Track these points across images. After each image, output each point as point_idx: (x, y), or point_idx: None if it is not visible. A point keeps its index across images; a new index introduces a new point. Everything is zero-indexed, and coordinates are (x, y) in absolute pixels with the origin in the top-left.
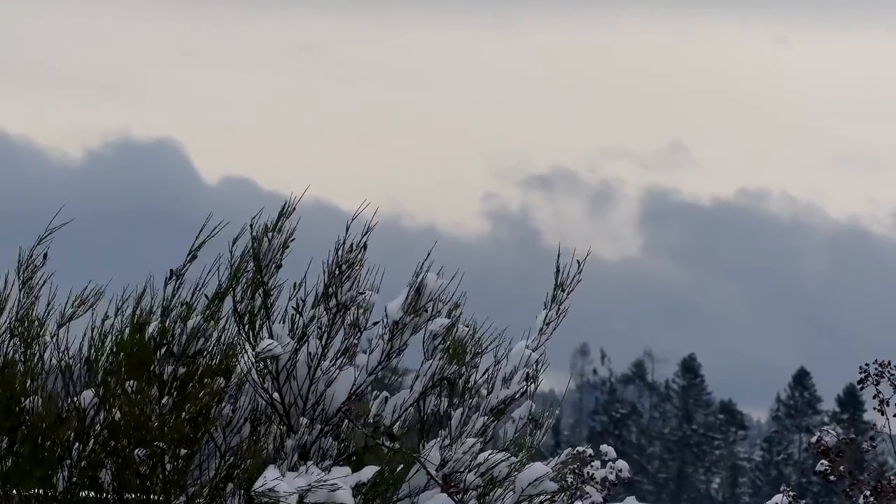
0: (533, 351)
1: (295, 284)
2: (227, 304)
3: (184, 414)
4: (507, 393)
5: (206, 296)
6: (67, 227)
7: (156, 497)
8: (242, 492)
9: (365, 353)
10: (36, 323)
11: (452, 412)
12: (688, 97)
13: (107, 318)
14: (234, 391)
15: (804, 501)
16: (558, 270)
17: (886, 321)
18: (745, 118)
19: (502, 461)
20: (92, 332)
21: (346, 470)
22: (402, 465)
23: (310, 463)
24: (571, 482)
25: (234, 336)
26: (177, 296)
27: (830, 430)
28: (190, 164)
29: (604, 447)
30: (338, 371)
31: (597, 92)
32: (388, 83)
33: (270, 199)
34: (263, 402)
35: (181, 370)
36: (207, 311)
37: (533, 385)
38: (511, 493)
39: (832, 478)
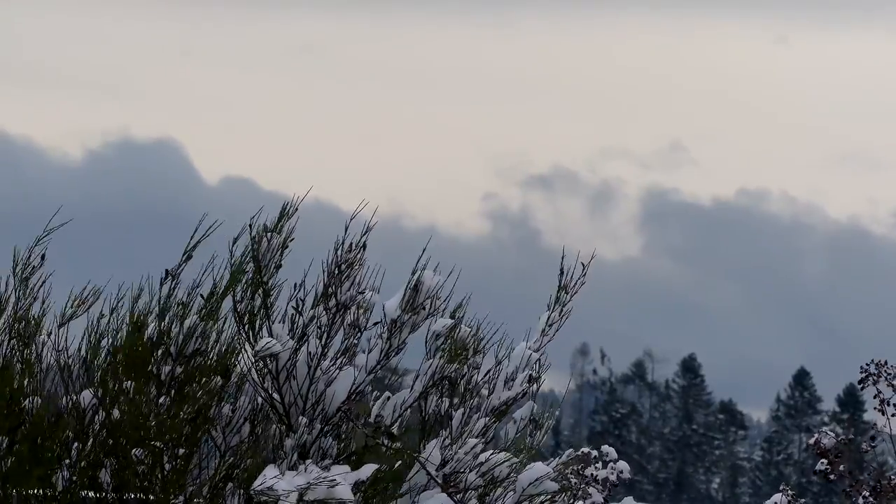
0: (535, 352)
1: (295, 285)
2: (226, 304)
3: (182, 414)
4: (509, 394)
5: (201, 295)
6: (68, 227)
7: (155, 497)
8: (242, 491)
9: (364, 352)
10: (33, 323)
11: (454, 412)
12: (688, 97)
13: (102, 316)
14: (234, 391)
15: (803, 501)
16: (562, 272)
17: (886, 321)
18: (745, 118)
19: (503, 461)
20: (88, 331)
21: (346, 468)
22: (401, 464)
23: (309, 462)
24: (574, 483)
25: (232, 336)
26: (173, 296)
27: (829, 432)
28: (190, 164)
29: (605, 448)
30: (337, 371)
31: (597, 92)
32: (388, 83)
33: (270, 199)
34: (263, 402)
35: (179, 370)
36: (204, 311)
37: (535, 386)
38: (512, 493)
39: (832, 477)
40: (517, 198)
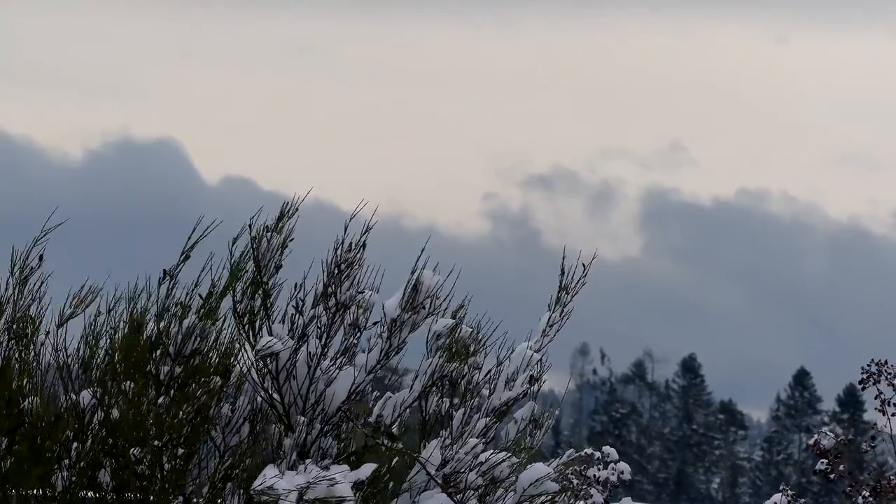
0: (536, 352)
1: (295, 285)
2: (225, 304)
3: (181, 414)
4: (510, 395)
5: (200, 295)
6: (68, 227)
7: (155, 497)
8: (242, 491)
9: (364, 352)
10: (32, 324)
11: (454, 412)
12: (688, 97)
13: (98, 314)
14: (233, 391)
15: (803, 501)
16: (563, 273)
17: (886, 321)
18: (745, 118)
19: (503, 461)
20: (86, 330)
21: (345, 467)
22: (400, 464)
23: (308, 461)
24: (575, 483)
25: (232, 335)
26: (171, 296)
27: (828, 433)
28: (190, 164)
29: (606, 448)
30: (337, 371)
31: (597, 92)
32: (388, 83)
33: (270, 199)
34: (263, 402)
35: (178, 370)
36: (202, 311)
37: (537, 386)
38: (512, 493)
39: (832, 477)
40: (517, 198)
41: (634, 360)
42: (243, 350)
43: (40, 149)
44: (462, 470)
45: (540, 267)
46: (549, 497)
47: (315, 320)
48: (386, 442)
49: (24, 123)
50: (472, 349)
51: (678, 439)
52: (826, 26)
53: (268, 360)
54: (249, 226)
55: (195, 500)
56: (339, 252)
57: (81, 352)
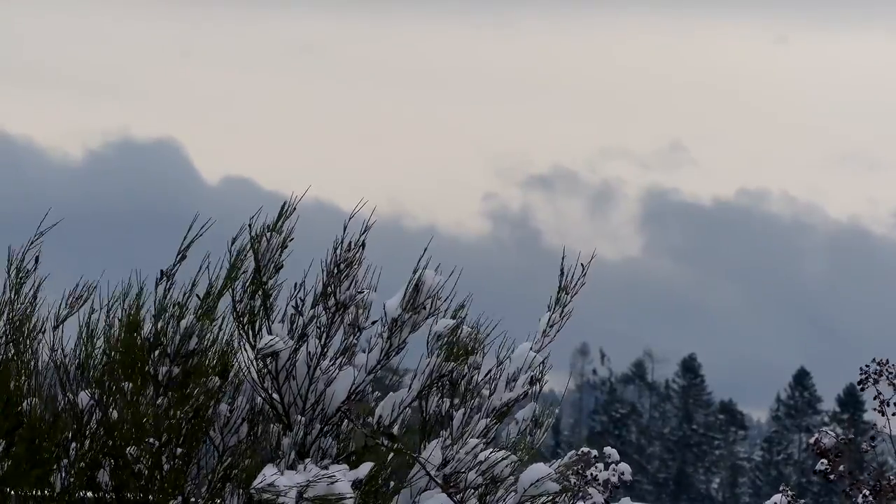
0: (536, 353)
1: (295, 284)
2: (223, 304)
3: (179, 414)
4: (510, 395)
5: (197, 295)
6: (68, 227)
7: (153, 497)
8: (241, 491)
9: (364, 352)
10: (28, 324)
11: (454, 412)
12: (688, 97)
13: (93, 311)
14: (232, 391)
15: (803, 501)
16: (562, 273)
17: (886, 321)
18: (745, 118)
19: (503, 459)
20: (81, 330)
21: (344, 466)
22: (399, 463)
23: (308, 461)
24: (574, 483)
25: (230, 335)
26: (168, 296)
27: (829, 431)
28: (190, 164)
29: (607, 449)
30: (337, 371)
31: (597, 92)
32: (388, 83)
33: (271, 199)
34: (262, 402)
35: (176, 370)
36: (200, 311)
37: (538, 387)
38: (513, 493)
39: (832, 477)
40: (517, 198)
41: (634, 360)
42: (242, 350)
43: (40, 149)
44: (462, 470)
45: (540, 267)
46: (550, 497)
47: (315, 320)
48: (385, 442)
49: (24, 123)
50: (471, 349)
51: (678, 439)
52: (826, 26)
53: (268, 360)
54: (249, 226)
55: (194, 499)
56: (338, 252)
57: (79, 351)
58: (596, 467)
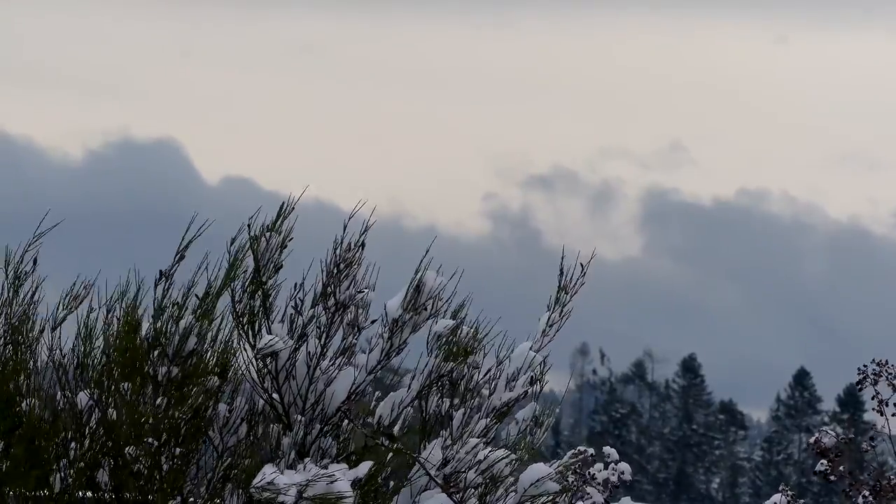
0: (536, 353)
1: (295, 284)
2: (222, 304)
3: (178, 414)
4: (510, 395)
5: (196, 295)
6: (68, 227)
7: (153, 497)
8: (241, 491)
9: (364, 352)
10: (27, 325)
11: (454, 412)
12: (688, 97)
13: (92, 310)
14: (231, 391)
15: (803, 501)
16: (562, 273)
17: (886, 321)
18: (745, 118)
19: (502, 458)
20: (80, 329)
21: (344, 466)
22: (399, 463)
23: (307, 460)
24: (574, 483)
25: (229, 335)
26: (167, 296)
27: (829, 431)
28: (190, 164)
29: (606, 449)
30: (337, 371)
31: (597, 92)
32: (388, 83)
33: (271, 199)
34: (261, 402)
35: (174, 370)
36: (199, 311)
37: (538, 387)
38: (513, 493)
39: (832, 478)
40: (517, 198)
41: (634, 360)
42: (242, 349)
43: (40, 149)
44: (462, 469)
45: (540, 267)
46: (550, 497)
47: (314, 320)
48: (385, 442)
49: (24, 123)
50: (470, 349)
51: (678, 439)
52: (826, 26)
53: (267, 360)
54: (248, 226)
55: (193, 499)
56: (338, 252)
57: (77, 351)
58: (595, 466)
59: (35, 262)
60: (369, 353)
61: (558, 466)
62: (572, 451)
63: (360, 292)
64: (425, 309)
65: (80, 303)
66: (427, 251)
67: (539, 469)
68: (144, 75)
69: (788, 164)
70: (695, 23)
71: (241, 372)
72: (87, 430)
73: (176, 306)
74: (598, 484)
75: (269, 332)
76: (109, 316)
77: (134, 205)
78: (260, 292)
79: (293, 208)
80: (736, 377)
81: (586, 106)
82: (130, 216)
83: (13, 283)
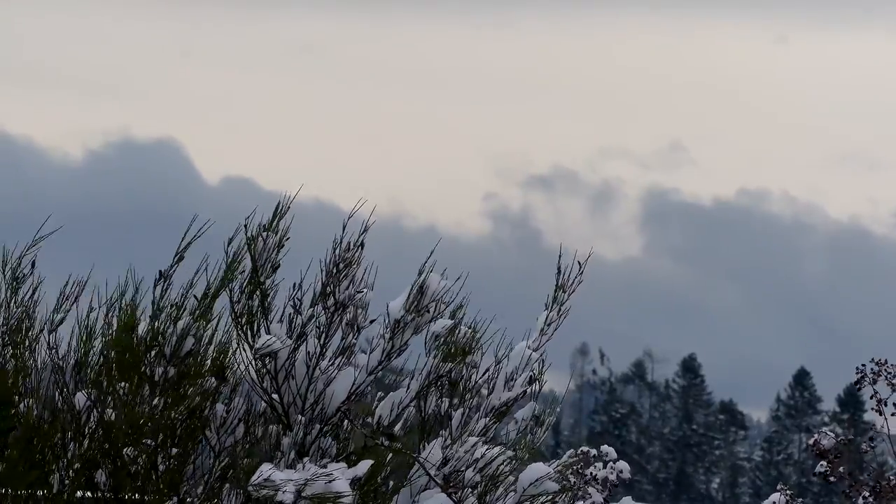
0: (534, 351)
1: (294, 284)
2: (219, 304)
3: (174, 414)
4: (509, 395)
5: (195, 296)
6: (68, 227)
7: (150, 497)
8: (240, 491)
9: (364, 352)
10: (25, 326)
11: (453, 412)
12: (688, 97)
13: (91, 310)
14: (229, 391)
15: (801, 501)
16: (559, 271)
17: (887, 321)
18: (745, 118)
19: (499, 455)
20: (79, 327)
21: (343, 465)
22: (398, 463)
23: (306, 459)
24: (574, 482)
25: (227, 335)
26: (165, 297)
27: (828, 433)
28: (191, 164)
29: (605, 448)
30: (337, 371)
31: (597, 92)
32: (388, 83)
33: (271, 199)
34: (260, 402)
35: (172, 371)
36: (197, 312)
37: (537, 386)
38: (513, 493)
39: (832, 479)
40: (518, 198)
41: (634, 360)
42: (239, 350)
43: (40, 149)
44: (460, 468)
45: (541, 267)
46: (549, 497)
47: (314, 320)
48: (385, 442)
49: (25, 123)
50: (468, 349)
51: (678, 439)
52: (826, 26)
53: (266, 360)
54: (245, 226)
55: (190, 500)
56: (337, 251)
57: (74, 352)
58: (595, 466)
59: (33, 264)
60: (370, 353)
61: (557, 466)
62: (571, 450)
63: (359, 292)
64: (427, 311)
65: (74, 302)
66: (431, 253)
67: (538, 469)
68: (144, 75)
69: (788, 164)
70: (695, 23)
71: (239, 372)
72: (87, 430)
73: (174, 307)
74: (598, 483)
75: (268, 332)
76: (109, 315)
77: (134, 205)
78: (258, 292)
79: (289, 207)
80: (736, 377)
81: (586, 106)
82: (130, 216)
83: (11, 284)
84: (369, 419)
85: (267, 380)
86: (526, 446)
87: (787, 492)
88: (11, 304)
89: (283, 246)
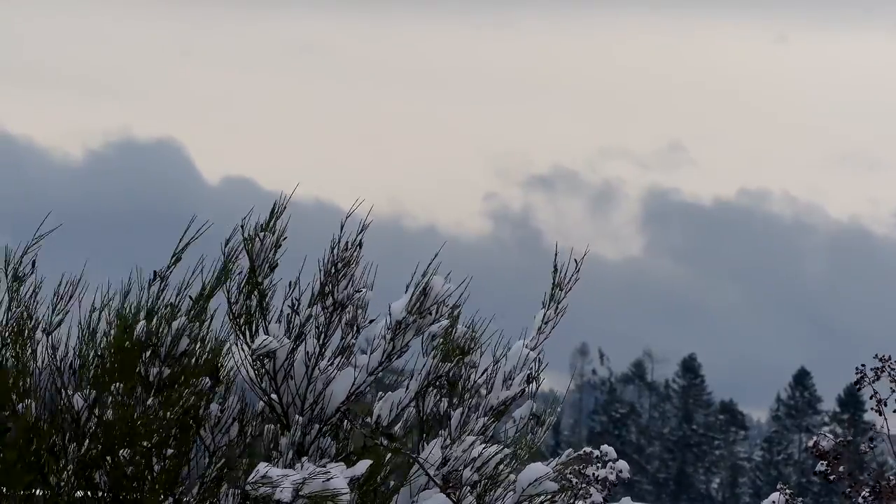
0: (532, 350)
1: (291, 283)
2: (215, 304)
3: (169, 414)
4: (507, 394)
5: (190, 297)
6: (68, 227)
7: (145, 498)
8: (238, 491)
9: (364, 352)
10: (24, 327)
11: (452, 412)
12: (688, 97)
13: (94, 309)
14: (223, 391)
15: (801, 500)
16: (556, 269)
17: (887, 321)
18: (745, 118)
19: (496, 454)
20: (80, 327)
21: (342, 465)
22: (397, 463)
23: (305, 459)
24: (574, 482)
25: (222, 336)
26: (161, 297)
27: (827, 434)
28: (191, 164)
29: (604, 447)
30: (336, 371)
31: (597, 92)
32: (387, 83)
33: (271, 199)
34: (257, 402)
35: (167, 371)
36: (192, 312)
37: (535, 385)
38: (512, 492)
39: (832, 479)
40: (518, 198)
41: (634, 360)
42: (238, 349)
43: (41, 149)
44: (460, 468)
45: (541, 267)
46: (549, 497)
47: (312, 319)
48: (384, 442)
49: (25, 123)
50: (466, 348)
51: (678, 439)
52: (826, 26)
53: (265, 360)
54: (241, 226)
55: (186, 500)
56: (335, 251)
57: (71, 352)
58: (596, 466)
59: (33, 264)
60: (370, 353)
61: (556, 465)
62: (569, 449)
63: (357, 292)
64: (430, 313)
65: (69, 302)
66: (435, 255)
67: (537, 468)
68: (144, 75)
69: (789, 164)
70: (695, 23)
71: (234, 372)
72: (86, 430)
73: (169, 307)
74: (597, 482)
75: (266, 332)
76: (110, 314)
77: (134, 205)
78: (256, 292)
79: (285, 207)
80: (736, 377)
81: (586, 106)
82: (131, 216)
83: (11, 284)
84: (368, 419)
85: (266, 380)
86: (525, 446)
87: (787, 491)
88: (12, 304)
89: (280, 245)
